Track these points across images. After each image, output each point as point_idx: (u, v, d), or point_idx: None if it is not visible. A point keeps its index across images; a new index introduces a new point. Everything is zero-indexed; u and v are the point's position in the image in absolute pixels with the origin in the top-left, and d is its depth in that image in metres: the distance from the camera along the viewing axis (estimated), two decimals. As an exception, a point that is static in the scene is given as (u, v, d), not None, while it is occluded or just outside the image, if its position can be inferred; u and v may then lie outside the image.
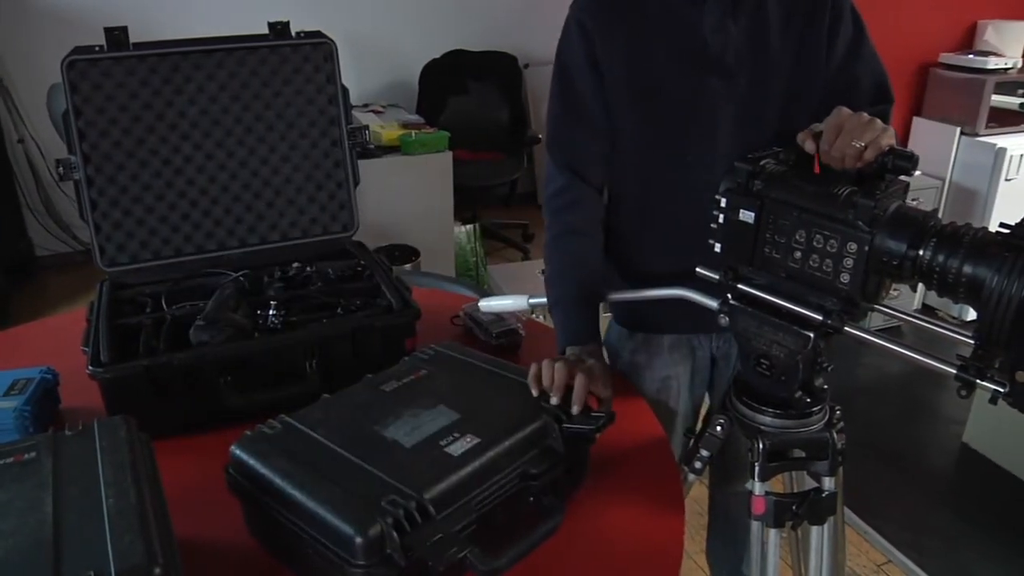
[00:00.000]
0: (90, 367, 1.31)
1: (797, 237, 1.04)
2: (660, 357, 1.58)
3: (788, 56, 1.33)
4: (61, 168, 1.63)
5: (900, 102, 3.99)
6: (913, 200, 3.85)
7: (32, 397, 1.32)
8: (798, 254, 1.05)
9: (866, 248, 0.99)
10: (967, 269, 0.92)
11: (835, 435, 1.20)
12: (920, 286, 1.00)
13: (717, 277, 1.15)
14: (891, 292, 1.07)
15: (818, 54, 1.34)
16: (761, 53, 1.32)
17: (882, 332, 1.06)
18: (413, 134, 3.78)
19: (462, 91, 4.80)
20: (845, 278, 1.02)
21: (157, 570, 0.75)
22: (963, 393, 0.96)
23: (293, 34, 1.76)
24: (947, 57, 3.91)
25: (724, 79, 1.32)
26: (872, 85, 1.39)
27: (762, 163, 1.08)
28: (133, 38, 1.64)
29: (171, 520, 0.90)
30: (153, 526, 0.81)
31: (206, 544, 1.10)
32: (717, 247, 1.12)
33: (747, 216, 1.07)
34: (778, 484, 1.28)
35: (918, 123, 4.01)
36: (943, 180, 3.79)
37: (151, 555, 0.76)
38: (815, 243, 1.03)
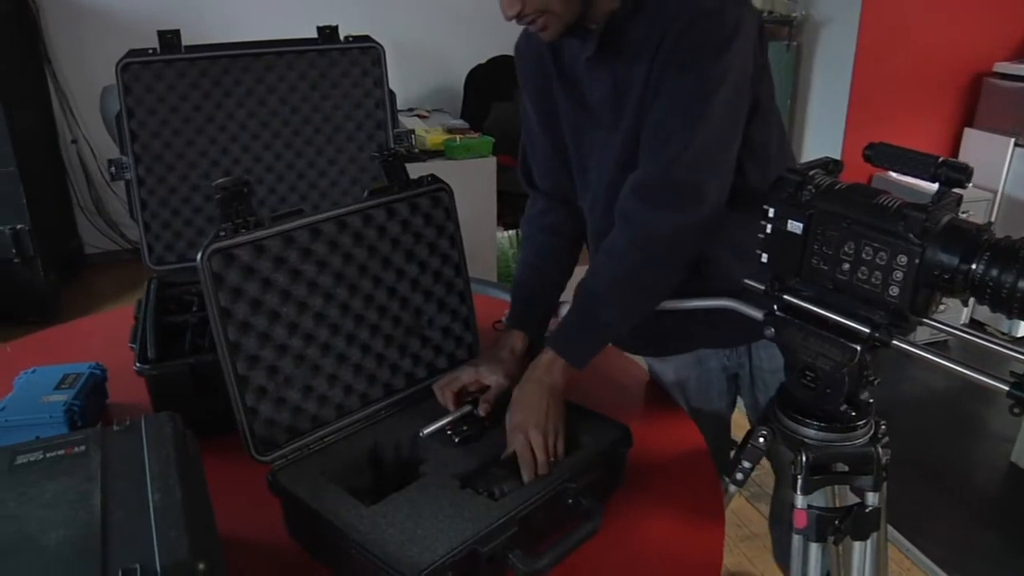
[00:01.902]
0: (137, 364, 1.33)
1: (846, 249, 1.03)
2: (661, 364, 1.59)
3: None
4: (113, 168, 1.66)
5: (951, 112, 3.94)
6: (963, 213, 3.70)
7: (81, 392, 1.35)
8: (846, 266, 1.03)
9: (917, 261, 0.98)
10: (1023, 284, 0.90)
11: (880, 450, 1.18)
12: (971, 300, 0.98)
13: (763, 288, 1.14)
14: (939, 307, 1.05)
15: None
16: (630, 106, 1.28)
17: (929, 347, 1.04)
18: (457, 139, 3.79)
19: (507, 97, 4.80)
20: (894, 291, 1.00)
21: (201, 565, 0.76)
22: (1016, 411, 0.94)
23: (342, 38, 1.78)
24: (1002, 66, 3.83)
25: (604, 131, 1.33)
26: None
27: (811, 173, 1.07)
28: (185, 41, 1.67)
29: (215, 516, 0.91)
30: (197, 522, 0.82)
31: (247, 540, 1.11)
32: (764, 257, 1.11)
33: (795, 227, 1.06)
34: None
35: (969, 134, 3.92)
36: (995, 193, 3.71)
37: (195, 550, 0.77)
38: (864, 255, 1.01)
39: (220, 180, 1.12)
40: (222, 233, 1.12)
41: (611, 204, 1.31)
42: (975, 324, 3.60)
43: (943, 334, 1.11)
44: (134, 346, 1.40)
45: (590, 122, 1.35)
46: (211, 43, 1.71)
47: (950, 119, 3.95)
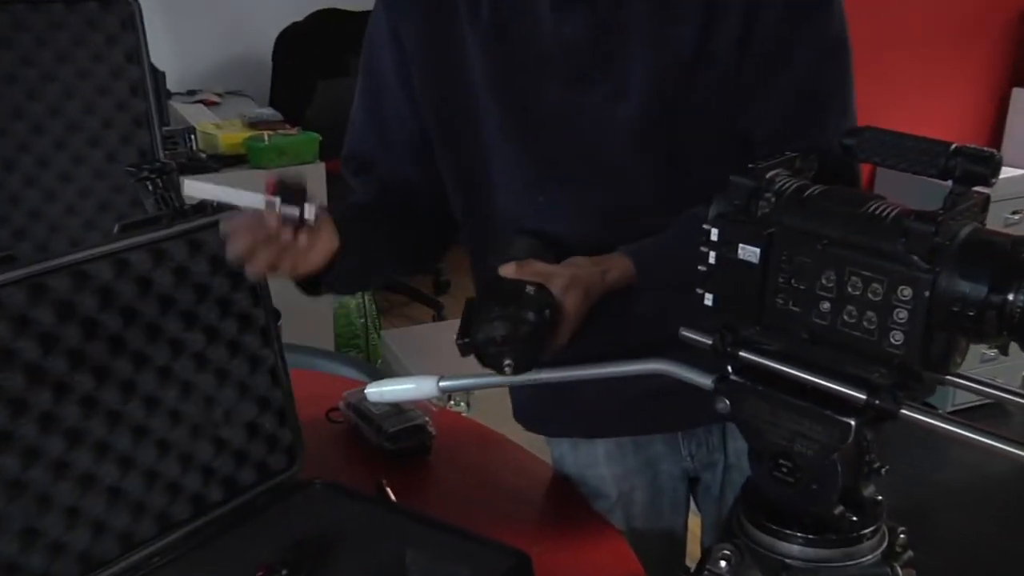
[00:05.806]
0: None
1: (824, 281, 1.04)
2: (593, 470, 1.60)
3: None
4: None
5: (990, 71, 4.05)
6: (1015, 213, 3.82)
7: None
8: (826, 305, 1.05)
9: (926, 293, 0.99)
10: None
11: (899, 570, 1.20)
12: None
13: (710, 342, 1.17)
14: (964, 357, 1.07)
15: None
16: (633, 59, 1.35)
17: (966, 413, 1.08)
18: (266, 137, 3.77)
19: (339, 71, 4.80)
20: (897, 338, 1.02)
21: None
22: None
23: (70, -13, 1.75)
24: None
25: (579, 92, 1.39)
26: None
27: (770, 175, 1.09)
28: None
29: None
30: None
31: None
32: (708, 299, 1.13)
33: (750, 253, 1.07)
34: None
35: (1020, 95, 4.06)
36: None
37: None
38: (851, 289, 1.03)
39: None
40: None
41: (606, 196, 1.43)
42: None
43: (990, 396, 1.14)
44: None
45: (542, 77, 1.38)
46: None
47: (989, 80, 4.04)
